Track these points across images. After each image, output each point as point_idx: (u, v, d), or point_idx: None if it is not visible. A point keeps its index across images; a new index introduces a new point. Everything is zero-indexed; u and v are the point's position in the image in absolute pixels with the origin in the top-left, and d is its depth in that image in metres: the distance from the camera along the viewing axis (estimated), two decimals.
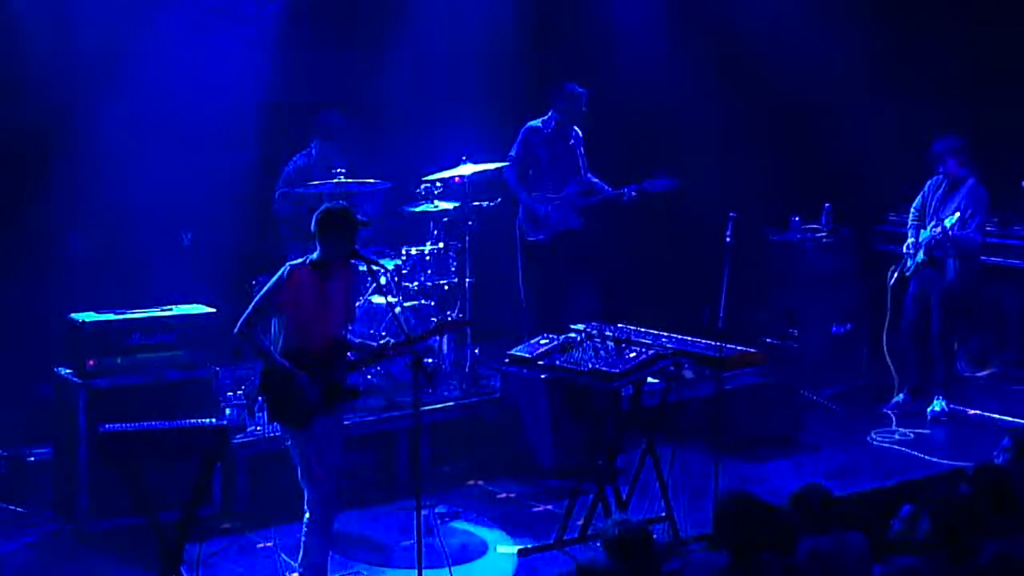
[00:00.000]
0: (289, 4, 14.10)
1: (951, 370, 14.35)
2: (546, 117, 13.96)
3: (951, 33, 15.03)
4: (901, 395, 14.31)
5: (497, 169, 13.55)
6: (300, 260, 9.99)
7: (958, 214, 13.64)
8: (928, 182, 14.08)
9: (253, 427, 11.89)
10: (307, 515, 10.08)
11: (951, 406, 14.08)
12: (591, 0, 15.60)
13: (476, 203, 13.23)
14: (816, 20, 15.09)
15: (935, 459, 12.97)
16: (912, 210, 14.16)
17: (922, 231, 13.98)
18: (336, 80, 13.94)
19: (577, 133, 14.02)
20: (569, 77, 14.10)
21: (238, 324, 9.77)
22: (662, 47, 15.38)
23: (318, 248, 9.92)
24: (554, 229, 13.85)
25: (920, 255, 13.95)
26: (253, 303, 9.84)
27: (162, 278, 12.43)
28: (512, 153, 13.90)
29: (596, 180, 14.04)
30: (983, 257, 14.67)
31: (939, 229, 13.68)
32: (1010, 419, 13.13)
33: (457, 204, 13.19)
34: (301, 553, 10.12)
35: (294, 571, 10.29)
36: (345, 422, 12.01)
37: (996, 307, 15.16)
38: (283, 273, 9.82)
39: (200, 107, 13.54)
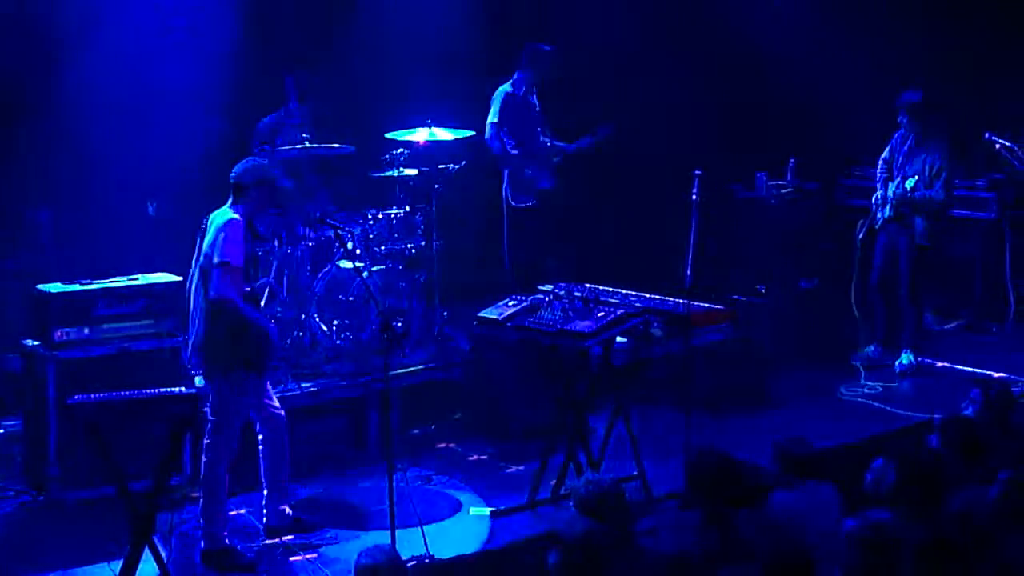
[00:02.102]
0: None
1: (919, 323, 14.37)
2: (515, 79, 13.98)
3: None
4: (871, 348, 14.36)
5: (464, 137, 13.54)
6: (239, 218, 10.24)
7: (916, 178, 13.70)
8: (896, 134, 14.10)
9: None
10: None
11: (919, 359, 14.15)
12: None
13: (441, 166, 13.22)
14: None
15: (903, 412, 13.05)
16: (880, 162, 14.20)
17: (890, 184, 14.00)
18: (302, 48, 13.88)
19: (535, 92, 14.05)
20: (529, 39, 14.15)
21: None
22: (621, 5, 15.34)
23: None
24: (536, 190, 13.86)
25: (887, 210, 13.97)
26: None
27: (129, 248, 12.41)
28: (493, 120, 13.91)
29: (552, 141, 14.07)
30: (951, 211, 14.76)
31: (900, 191, 13.76)
32: (978, 371, 13.18)
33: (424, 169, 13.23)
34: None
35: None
36: (314, 388, 12.14)
37: (963, 260, 15.20)
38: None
39: (165, 77, 13.58)
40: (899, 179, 13.94)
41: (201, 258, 10.40)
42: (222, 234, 10.27)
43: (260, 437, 10.76)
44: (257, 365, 10.35)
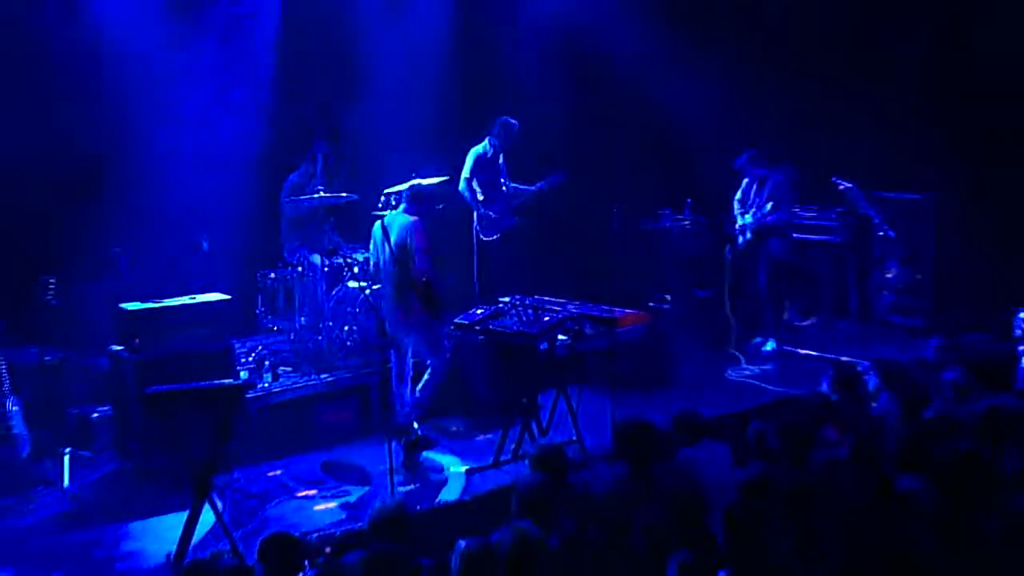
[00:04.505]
0: (282, 61, 14.03)
1: (780, 319, 14.40)
2: (486, 143, 13.87)
3: (785, 80, 15.07)
4: (759, 339, 14.40)
5: (440, 183, 13.50)
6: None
7: (768, 205, 13.88)
8: (744, 181, 14.29)
9: (261, 385, 11.89)
10: (428, 374, 11.58)
11: (784, 347, 14.17)
12: (502, 50, 15.53)
13: None
14: (677, 57, 15.16)
15: (775, 388, 13.05)
16: (736, 203, 14.34)
17: (746, 216, 14.16)
18: (320, 121, 13.87)
19: (502, 154, 14.01)
20: (490, 110, 14.11)
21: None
22: (562, 83, 15.37)
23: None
24: (501, 228, 13.86)
25: (748, 234, 14.14)
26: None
27: (187, 274, 12.40)
28: (467, 175, 13.78)
29: (516, 185, 14.06)
30: (807, 236, 14.86)
31: (754, 220, 13.94)
32: (830, 355, 13.21)
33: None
34: (417, 401, 11.56)
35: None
36: (330, 378, 12.14)
37: (818, 272, 15.25)
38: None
39: (213, 139, 13.55)
40: (753, 210, 14.08)
41: (394, 249, 11.42)
42: (414, 231, 11.42)
43: (430, 366, 11.66)
44: (442, 314, 11.51)
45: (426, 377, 11.65)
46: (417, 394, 11.60)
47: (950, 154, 14.04)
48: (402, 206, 11.77)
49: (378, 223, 11.65)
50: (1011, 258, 13.62)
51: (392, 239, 11.47)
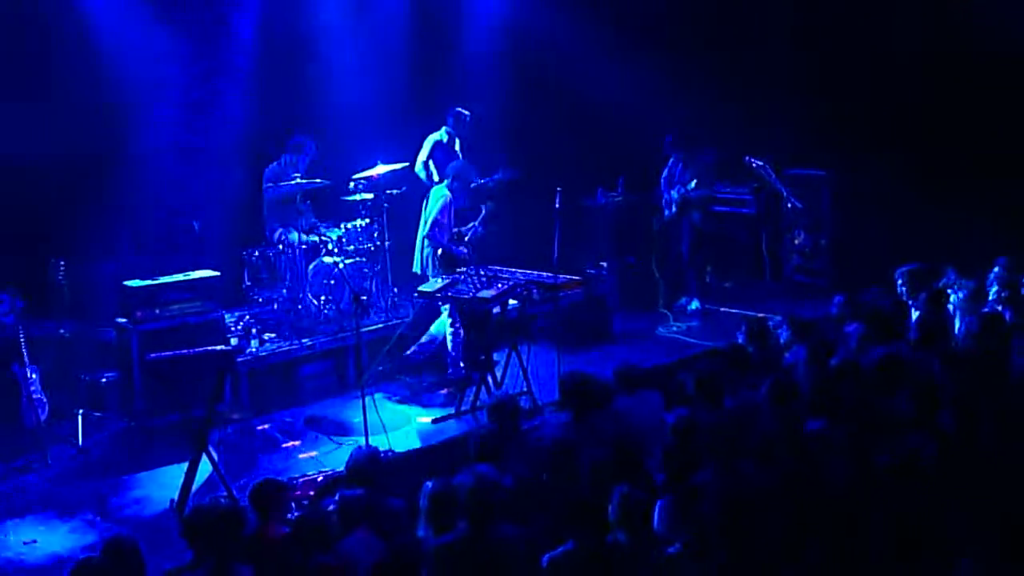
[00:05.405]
0: (260, 56, 13.99)
1: (702, 281, 14.44)
2: (442, 131, 13.83)
3: (704, 71, 15.13)
4: (684, 300, 14.42)
5: (403, 168, 13.52)
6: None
7: (692, 183, 13.99)
8: (669, 161, 14.31)
9: (249, 350, 11.91)
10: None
11: (706, 306, 14.24)
12: (456, 46, 15.46)
13: (388, 191, 13.21)
14: (610, 51, 15.17)
15: (699, 342, 13.14)
16: (662, 180, 14.35)
17: (672, 191, 14.22)
18: (294, 113, 13.84)
19: (458, 141, 13.96)
20: (445, 100, 14.09)
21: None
22: (509, 77, 15.35)
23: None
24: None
25: (674, 207, 14.21)
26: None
27: (181, 254, 12.36)
28: (423, 159, 13.74)
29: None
30: (726, 208, 14.97)
31: (679, 195, 14.00)
32: (748, 312, 13.30)
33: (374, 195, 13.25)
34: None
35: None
36: (310, 342, 12.14)
37: (735, 240, 15.33)
38: None
39: (201, 131, 13.51)
40: (678, 187, 14.14)
41: (426, 217, 12.40)
42: (437, 203, 12.26)
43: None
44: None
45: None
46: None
47: (844, 137, 14.42)
48: (446, 181, 12.32)
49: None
50: (895, 223, 13.88)
51: (426, 209, 12.33)
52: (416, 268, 12.62)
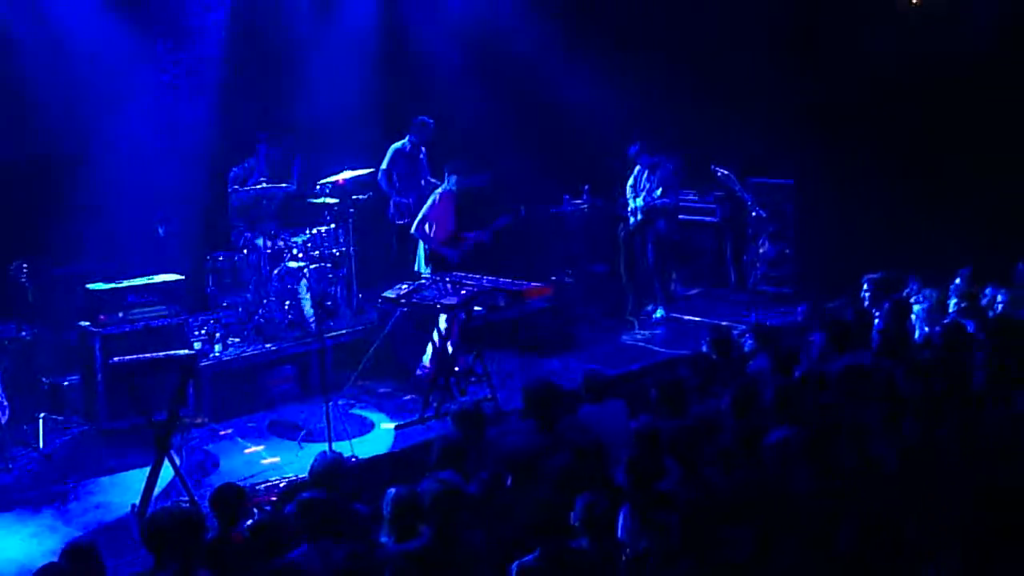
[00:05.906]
0: (228, 62, 13.91)
1: (667, 290, 14.43)
2: (405, 140, 13.70)
3: (669, 81, 15.17)
4: (650, 307, 14.41)
5: (368, 174, 13.47)
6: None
7: (658, 191, 13.94)
8: (636, 168, 14.24)
9: (213, 354, 11.84)
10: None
11: (672, 314, 14.23)
12: (422, 55, 15.45)
13: (354, 197, 13.17)
14: (576, 62, 15.18)
15: (664, 350, 13.13)
16: (628, 188, 14.29)
17: (637, 200, 14.19)
18: (261, 119, 13.79)
19: (423, 149, 13.91)
20: (410, 108, 14.03)
21: None
22: (476, 85, 15.31)
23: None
24: (413, 215, 13.71)
25: (639, 215, 14.18)
26: None
27: (146, 257, 12.27)
28: (384, 168, 13.61)
29: (434, 180, 13.95)
30: (691, 216, 15.02)
31: (644, 203, 13.99)
32: (711, 320, 13.33)
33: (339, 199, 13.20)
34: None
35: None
36: (274, 347, 12.07)
37: (700, 248, 15.38)
38: None
39: (167, 136, 13.41)
40: (644, 194, 14.12)
41: None
42: (432, 199, 12.36)
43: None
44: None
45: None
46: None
47: (807, 146, 14.41)
48: (453, 178, 12.37)
49: None
50: (860, 232, 13.95)
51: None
52: (418, 267, 12.56)
